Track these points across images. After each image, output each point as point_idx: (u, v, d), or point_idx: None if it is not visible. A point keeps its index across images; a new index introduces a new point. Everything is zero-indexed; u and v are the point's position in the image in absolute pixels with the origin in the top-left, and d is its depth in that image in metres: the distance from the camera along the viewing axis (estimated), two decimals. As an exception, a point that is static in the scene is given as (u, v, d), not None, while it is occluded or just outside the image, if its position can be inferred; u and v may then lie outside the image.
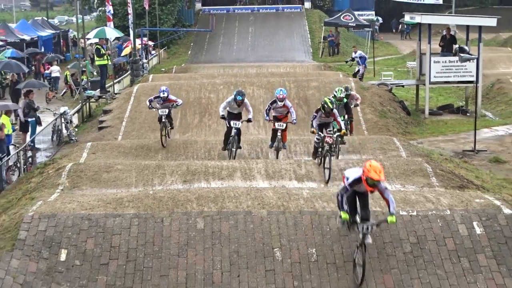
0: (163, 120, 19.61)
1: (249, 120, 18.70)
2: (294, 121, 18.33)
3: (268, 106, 18.40)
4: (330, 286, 11.43)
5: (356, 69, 33.08)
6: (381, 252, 11.97)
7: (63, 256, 11.63)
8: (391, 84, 29.12)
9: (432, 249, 11.99)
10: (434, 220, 12.53)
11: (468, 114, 26.40)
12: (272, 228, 12.36)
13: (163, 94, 19.58)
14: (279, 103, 18.08)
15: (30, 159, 20.44)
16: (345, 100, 19.86)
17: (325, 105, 16.39)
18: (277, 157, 18.28)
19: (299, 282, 11.44)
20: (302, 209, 12.82)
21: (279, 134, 18.07)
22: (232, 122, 18.16)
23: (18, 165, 19.37)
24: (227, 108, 18.49)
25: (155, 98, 19.91)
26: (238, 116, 18.51)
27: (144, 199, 13.32)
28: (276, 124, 18.12)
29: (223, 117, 18.47)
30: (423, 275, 11.59)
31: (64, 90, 35.91)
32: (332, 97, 18.22)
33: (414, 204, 13.07)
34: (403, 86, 29.67)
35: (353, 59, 34.11)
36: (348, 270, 11.66)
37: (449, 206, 12.94)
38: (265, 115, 18.76)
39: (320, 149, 16.87)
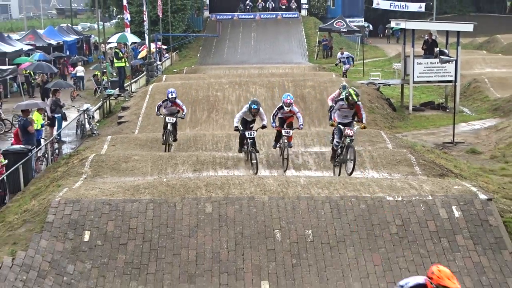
0: (168, 127, 18.09)
1: (263, 127, 16.52)
2: (301, 126, 16.57)
3: (276, 111, 16.48)
4: (324, 264, 11.44)
5: (344, 68, 33.12)
6: (370, 233, 11.98)
7: (86, 237, 11.67)
8: (378, 83, 29.13)
9: (415, 231, 12.01)
10: (417, 204, 12.54)
11: (447, 110, 26.39)
12: (272, 212, 12.38)
13: (171, 95, 18.14)
14: (285, 108, 16.30)
15: (57, 150, 20.48)
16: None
17: (350, 97, 15.06)
18: (285, 170, 16.21)
19: (297, 260, 11.46)
20: (299, 195, 12.84)
21: (285, 139, 16.27)
22: (247, 133, 16.13)
23: (46, 156, 19.42)
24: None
25: (163, 102, 18.51)
26: (252, 122, 16.65)
27: (159, 186, 13.34)
28: (283, 131, 16.28)
29: (236, 129, 16.48)
30: (407, 253, 11.61)
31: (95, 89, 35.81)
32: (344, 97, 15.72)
33: (400, 190, 13.07)
34: (389, 85, 29.65)
35: (340, 61, 34.15)
36: (341, 249, 11.68)
37: (431, 192, 12.96)
38: (272, 122, 16.49)
39: (339, 151, 15.67)
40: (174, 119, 18.14)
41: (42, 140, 20.33)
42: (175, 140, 18.42)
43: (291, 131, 16.39)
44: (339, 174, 15.63)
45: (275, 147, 16.96)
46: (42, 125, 21.08)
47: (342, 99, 15.70)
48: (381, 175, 15.47)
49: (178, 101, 18.57)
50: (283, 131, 16.29)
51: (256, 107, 15.93)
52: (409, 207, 12.49)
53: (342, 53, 33.93)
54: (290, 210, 12.43)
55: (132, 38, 40.49)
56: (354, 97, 14.96)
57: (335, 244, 11.78)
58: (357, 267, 11.38)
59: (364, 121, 15.65)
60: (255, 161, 15.85)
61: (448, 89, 27.82)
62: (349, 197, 12.73)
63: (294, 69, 38.34)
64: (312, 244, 11.73)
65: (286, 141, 16.19)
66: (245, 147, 16.26)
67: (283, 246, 11.71)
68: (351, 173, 15.16)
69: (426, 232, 11.98)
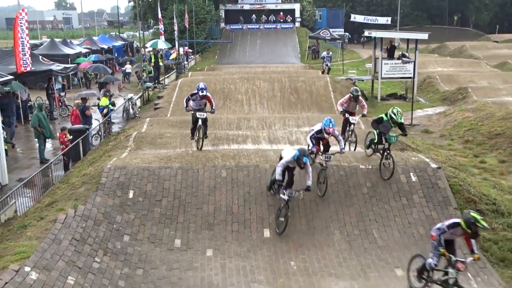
0: (199, 124, 13.91)
1: (307, 189, 10.91)
2: (343, 150, 12.32)
3: (313, 134, 12.18)
4: (312, 216, 11.42)
5: (325, 66, 32.81)
6: (347, 193, 11.96)
7: (130, 194, 11.68)
8: (354, 78, 28.95)
9: (382, 191, 12.01)
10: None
11: (407, 99, 26.15)
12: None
13: (202, 92, 13.60)
14: (325, 135, 12.07)
15: (108, 129, 20.46)
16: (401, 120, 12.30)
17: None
18: (323, 195, 11.89)
19: (291, 213, 11.40)
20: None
21: (324, 164, 12.05)
22: (287, 192, 10.86)
23: (100, 133, 19.40)
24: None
25: (192, 95, 13.91)
26: (293, 170, 11.29)
27: (186, 156, 13.33)
28: (322, 156, 12.03)
29: (279, 183, 10.95)
30: (375, 208, 11.61)
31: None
32: (390, 119, 12.23)
33: (370, 161, 13.01)
34: (362, 80, 29.38)
35: (324, 59, 33.83)
36: (325, 205, 11.67)
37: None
38: (310, 144, 12.06)
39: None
40: (205, 114, 13.98)
41: (95, 121, 20.28)
42: (205, 136, 14.21)
43: (331, 157, 12.09)
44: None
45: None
46: (107, 107, 21.03)
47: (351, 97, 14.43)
48: (357, 150, 15.39)
49: (208, 94, 14.09)
50: (322, 157, 12.05)
51: (307, 160, 10.87)
52: (377, 173, 12.46)
53: (328, 53, 33.68)
54: (286, 175, 12.42)
55: (161, 45, 40.31)
56: (397, 118, 12.18)
57: (320, 201, 11.77)
58: (337, 218, 11.39)
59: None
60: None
61: (408, 83, 27.60)
62: (331, 165, 12.68)
63: (289, 67, 38.13)
64: (302, 201, 11.71)
65: (325, 165, 12.03)
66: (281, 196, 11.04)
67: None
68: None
69: (390, 192, 11.97)
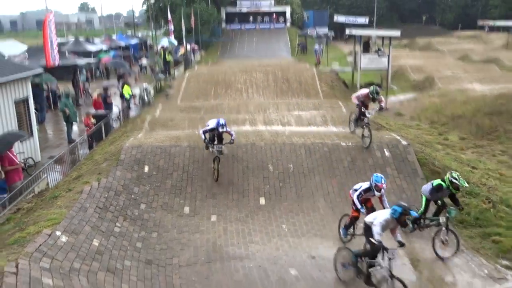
0: (217, 155, 11.44)
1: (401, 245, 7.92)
2: (399, 239, 7.96)
3: (360, 193, 9.02)
4: (300, 186, 11.44)
5: (318, 57, 32.46)
6: (330, 166, 11.94)
7: (146, 169, 11.65)
8: (337, 70, 28.79)
9: (359, 164, 12.00)
10: (361, 147, 12.48)
11: (382, 87, 26.00)
12: (267, 153, 12.33)
13: (222, 128, 11.24)
14: (376, 193, 8.89)
15: (126, 114, 20.33)
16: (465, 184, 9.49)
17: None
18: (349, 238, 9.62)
19: (282, 184, 11.47)
20: (284, 142, 12.76)
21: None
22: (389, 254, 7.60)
23: (119, 117, 19.29)
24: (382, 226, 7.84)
25: (210, 130, 11.43)
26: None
27: (193, 136, 13.26)
28: (366, 215, 8.47)
29: (379, 245, 7.64)
30: (354, 179, 11.49)
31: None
32: (450, 185, 9.25)
33: (350, 139, 12.99)
34: (344, 71, 29.19)
35: (315, 51, 33.51)
36: (311, 177, 11.66)
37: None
38: (358, 205, 8.98)
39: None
40: (222, 146, 11.47)
41: (115, 107, 20.12)
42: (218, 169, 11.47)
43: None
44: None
45: (346, 235, 9.55)
46: (130, 96, 20.85)
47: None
48: (338, 129, 15.36)
49: (228, 129, 11.54)
50: (364, 211, 9.01)
51: (414, 214, 8.69)
52: (356, 149, 12.45)
53: (319, 46, 33.43)
54: (278, 151, 12.38)
55: (165, 42, 39.92)
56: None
57: (307, 173, 11.77)
58: (321, 188, 11.40)
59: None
60: None
61: (383, 74, 27.44)
62: (317, 143, 12.67)
63: (281, 61, 37.66)
64: (292, 173, 11.72)
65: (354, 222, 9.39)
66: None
67: (274, 175, 11.71)
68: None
69: (367, 165, 11.98)
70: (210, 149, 11.71)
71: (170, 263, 8.67)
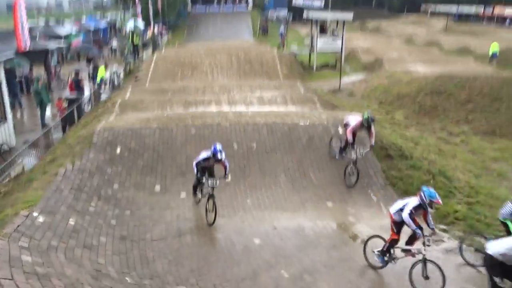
0: (210, 192, 9.16)
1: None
2: (433, 226, 7.39)
3: (411, 212, 7.18)
4: (263, 163, 11.50)
5: (283, 40, 32.35)
6: (290, 144, 11.98)
7: (118, 150, 11.40)
8: (295, 52, 28.80)
9: (317, 142, 12.12)
10: (318, 126, 12.60)
11: (336, 69, 26.29)
12: (231, 132, 12.28)
13: (220, 155, 9.11)
14: (429, 209, 7.20)
15: (97, 97, 19.77)
16: None
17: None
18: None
19: (247, 161, 11.50)
20: (248, 122, 12.72)
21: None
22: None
23: (91, 100, 18.73)
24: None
25: (204, 160, 9.31)
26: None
27: (162, 118, 13.06)
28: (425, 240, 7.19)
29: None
30: (312, 155, 11.70)
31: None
32: None
33: (308, 118, 13.08)
34: (301, 53, 29.28)
35: (281, 33, 33.41)
36: (273, 154, 11.73)
37: (326, 119, 13.03)
38: (413, 226, 7.15)
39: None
40: (217, 182, 9.21)
41: (86, 91, 19.47)
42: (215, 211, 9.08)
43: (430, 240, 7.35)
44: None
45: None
46: (101, 79, 20.15)
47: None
48: (297, 109, 15.46)
49: (224, 157, 9.25)
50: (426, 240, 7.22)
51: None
52: (313, 128, 12.55)
53: (284, 28, 33.31)
54: (242, 131, 12.35)
55: (131, 24, 38.59)
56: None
57: (269, 151, 11.83)
58: (282, 164, 11.49)
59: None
60: None
61: (337, 55, 27.68)
62: (277, 123, 12.71)
63: (244, 43, 37.32)
64: (256, 151, 11.76)
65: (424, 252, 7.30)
66: None
67: (238, 153, 11.71)
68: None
69: (323, 142, 12.10)
70: (199, 194, 9.54)
71: (143, 238, 8.64)
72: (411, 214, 7.17)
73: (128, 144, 11.63)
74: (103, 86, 20.33)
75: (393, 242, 7.66)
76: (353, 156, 10.57)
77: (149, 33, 39.13)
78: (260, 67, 23.36)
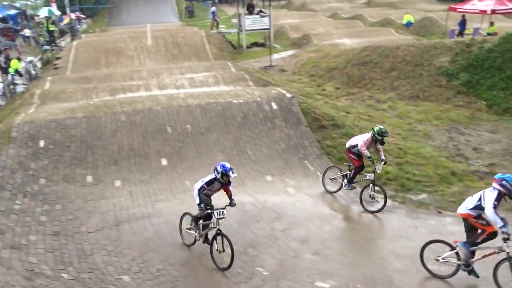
0: (219, 229, 7.26)
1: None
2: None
3: (494, 204, 6.21)
4: (199, 144, 11.37)
5: (214, 21, 31.82)
6: (225, 123, 11.98)
7: (41, 144, 10.73)
8: (224, 32, 28.54)
9: (251, 119, 12.17)
10: (251, 103, 12.63)
11: (266, 46, 26.40)
12: (164, 116, 12.00)
13: (233, 174, 7.28)
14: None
15: (13, 89, 18.35)
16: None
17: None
18: None
19: (182, 144, 11.32)
20: (180, 104, 12.48)
21: None
22: None
23: (5, 93, 17.35)
24: None
25: (208, 184, 7.38)
26: None
27: (88, 107, 12.43)
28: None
29: None
30: (247, 132, 11.75)
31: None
32: None
33: (241, 96, 13.09)
34: (230, 33, 29.05)
35: (213, 12, 32.85)
36: (208, 135, 11.62)
37: (259, 96, 13.09)
38: (500, 223, 6.14)
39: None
40: (225, 212, 7.30)
41: (0, 84, 18.03)
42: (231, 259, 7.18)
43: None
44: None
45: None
46: (15, 70, 18.57)
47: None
48: (230, 88, 15.37)
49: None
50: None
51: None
52: (247, 105, 12.56)
53: (216, 8, 32.69)
54: (175, 114, 12.10)
55: (45, 12, 36.09)
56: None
57: (204, 131, 11.71)
58: (218, 144, 11.44)
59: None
60: None
61: (266, 33, 27.81)
62: (211, 102, 12.61)
63: (170, 26, 36.35)
64: (191, 133, 11.60)
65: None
66: None
67: (173, 136, 11.48)
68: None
69: (257, 119, 12.18)
70: (197, 231, 7.59)
71: (78, 231, 8.27)
72: (495, 208, 6.22)
73: (52, 136, 10.98)
74: (18, 78, 18.88)
75: (491, 235, 6.49)
76: (370, 175, 9.11)
77: (66, 20, 36.85)
78: (189, 49, 22.91)
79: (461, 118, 13.71)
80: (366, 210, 9.09)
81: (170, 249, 7.85)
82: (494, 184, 6.32)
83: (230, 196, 7.46)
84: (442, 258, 6.95)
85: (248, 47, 27.04)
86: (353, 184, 9.49)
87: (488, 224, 6.45)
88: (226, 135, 11.67)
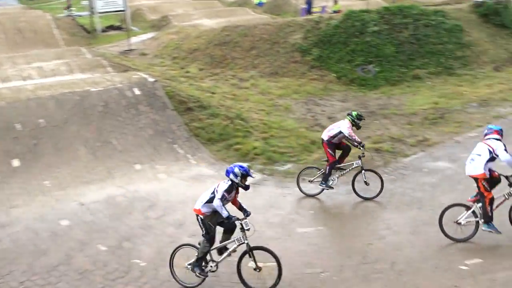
0: (249, 246, 5.97)
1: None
2: None
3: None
4: (57, 139, 10.44)
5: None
6: (85, 114, 11.10)
7: None
8: (74, 15, 26.33)
9: (113, 107, 11.53)
10: (112, 91, 11.97)
11: (123, 29, 25.02)
12: (11, 112, 10.70)
13: (252, 175, 6.23)
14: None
15: None
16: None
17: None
18: None
19: (36, 140, 10.23)
20: (29, 97, 11.25)
21: None
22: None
23: None
24: None
25: (228, 192, 6.01)
26: None
27: None
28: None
29: None
30: (111, 121, 11.07)
31: None
32: None
33: (100, 84, 12.31)
34: (81, 16, 26.88)
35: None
36: (67, 127, 10.72)
37: (120, 82, 12.48)
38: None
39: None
40: (247, 220, 6.06)
41: None
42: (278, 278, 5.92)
43: None
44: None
45: None
46: None
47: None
48: (87, 76, 14.32)
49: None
50: None
51: None
52: (107, 93, 11.85)
53: None
54: (24, 108, 10.91)
55: None
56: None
57: (62, 125, 10.78)
58: (79, 136, 10.62)
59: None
60: None
61: (122, 15, 26.42)
62: (66, 93, 11.64)
63: (8, 9, 32.10)
64: (44, 128, 10.58)
65: None
66: None
67: (24, 133, 10.35)
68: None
69: (120, 106, 11.59)
70: (212, 259, 6.24)
71: None
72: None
73: None
74: None
75: (491, 201, 6.79)
76: (358, 162, 8.54)
77: None
78: (34, 35, 20.76)
79: (316, 91, 14.92)
80: (365, 199, 8.34)
81: (33, 257, 7.17)
82: None
83: (241, 206, 6.31)
84: (463, 220, 6.97)
85: (103, 30, 25.38)
86: (330, 184, 8.46)
87: (490, 191, 6.75)
88: (87, 127, 10.93)
